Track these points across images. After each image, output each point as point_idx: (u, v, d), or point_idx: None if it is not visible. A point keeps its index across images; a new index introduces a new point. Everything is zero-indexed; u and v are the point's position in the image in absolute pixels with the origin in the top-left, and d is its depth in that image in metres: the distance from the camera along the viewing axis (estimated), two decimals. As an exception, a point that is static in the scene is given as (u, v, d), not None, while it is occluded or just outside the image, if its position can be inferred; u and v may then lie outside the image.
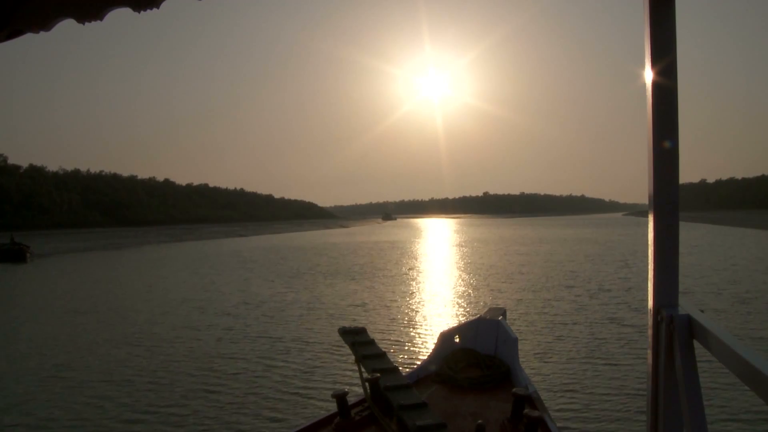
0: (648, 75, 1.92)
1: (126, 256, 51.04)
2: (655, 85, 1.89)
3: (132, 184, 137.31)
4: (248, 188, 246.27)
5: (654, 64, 1.89)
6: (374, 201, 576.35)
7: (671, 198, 1.92)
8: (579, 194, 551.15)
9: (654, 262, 1.94)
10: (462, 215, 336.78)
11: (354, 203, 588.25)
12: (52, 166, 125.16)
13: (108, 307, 19.88)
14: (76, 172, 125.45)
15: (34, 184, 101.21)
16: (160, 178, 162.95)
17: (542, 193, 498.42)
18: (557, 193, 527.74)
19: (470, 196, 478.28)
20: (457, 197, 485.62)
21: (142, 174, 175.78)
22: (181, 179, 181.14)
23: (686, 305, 1.91)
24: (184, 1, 1.61)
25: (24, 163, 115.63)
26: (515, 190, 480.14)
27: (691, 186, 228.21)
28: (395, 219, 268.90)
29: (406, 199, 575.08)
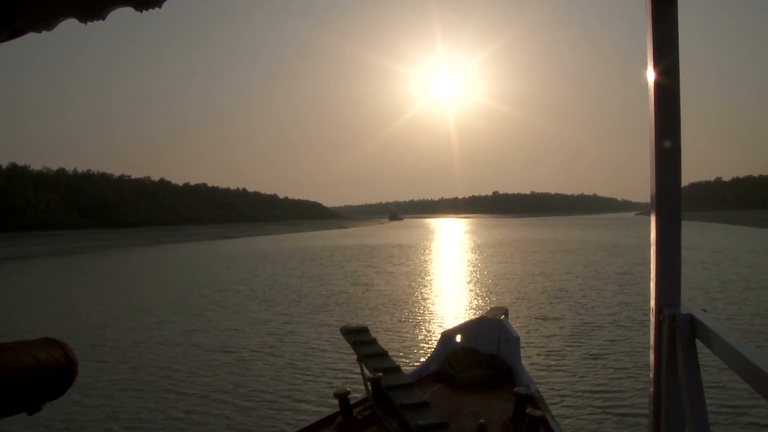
0: (650, 75, 1.94)
1: (76, 263, 45.76)
2: (657, 85, 1.91)
3: (120, 183, 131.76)
4: (259, 189, 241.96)
5: (656, 64, 1.90)
6: (384, 201, 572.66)
7: (673, 198, 1.94)
8: (591, 193, 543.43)
9: (656, 262, 1.96)
10: (471, 215, 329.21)
11: (364, 203, 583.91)
12: (37, 166, 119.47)
13: None
14: (61, 172, 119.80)
15: (9, 183, 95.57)
16: (157, 177, 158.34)
17: (553, 192, 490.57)
18: (569, 192, 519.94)
19: (480, 195, 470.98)
20: (466, 197, 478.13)
21: (148, 175, 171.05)
22: (188, 180, 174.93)
23: (688, 305, 1.92)
24: (186, 0, 1.56)
25: (26, 164, 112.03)
26: (526, 190, 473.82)
27: (706, 184, 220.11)
28: (401, 219, 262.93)
29: (416, 198, 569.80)
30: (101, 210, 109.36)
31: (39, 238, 73.76)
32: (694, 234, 60.91)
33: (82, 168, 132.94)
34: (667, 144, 1.91)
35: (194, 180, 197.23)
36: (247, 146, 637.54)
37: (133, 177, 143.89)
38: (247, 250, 55.53)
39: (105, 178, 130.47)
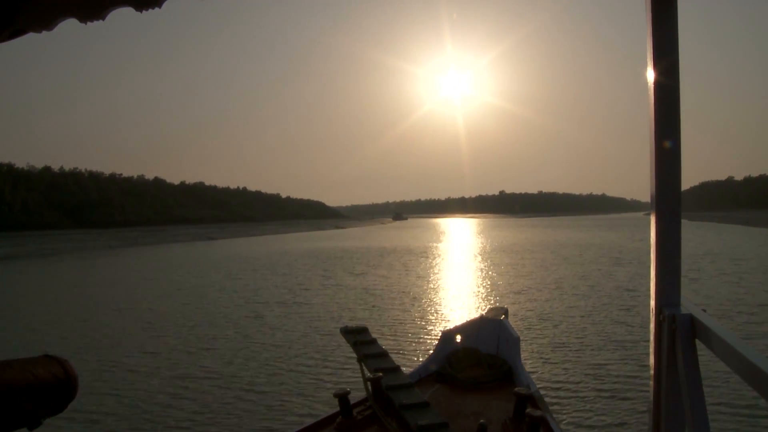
0: (650, 75, 1.95)
1: (22, 267, 41.14)
2: (657, 85, 1.92)
3: (108, 182, 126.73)
4: (267, 189, 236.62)
5: (656, 64, 1.92)
6: (391, 200, 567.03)
7: (673, 198, 1.95)
8: (599, 193, 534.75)
9: (656, 262, 1.96)
10: (478, 215, 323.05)
11: (371, 203, 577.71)
12: (22, 164, 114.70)
13: None
14: (45, 170, 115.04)
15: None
16: (160, 177, 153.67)
17: (561, 192, 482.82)
18: (577, 192, 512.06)
19: (487, 195, 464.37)
20: (473, 196, 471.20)
21: (149, 174, 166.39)
22: (191, 180, 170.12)
23: (688, 305, 1.93)
24: (185, 0, 1.58)
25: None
26: (533, 189, 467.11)
27: (717, 183, 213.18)
28: (406, 219, 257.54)
29: (423, 198, 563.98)
30: (83, 209, 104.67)
31: (5, 239, 69.29)
32: (708, 236, 55.52)
33: (82, 167, 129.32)
34: (667, 144, 1.90)
35: (198, 180, 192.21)
36: (254, 146, 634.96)
37: (124, 175, 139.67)
38: (216, 254, 50.81)
39: (93, 177, 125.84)
